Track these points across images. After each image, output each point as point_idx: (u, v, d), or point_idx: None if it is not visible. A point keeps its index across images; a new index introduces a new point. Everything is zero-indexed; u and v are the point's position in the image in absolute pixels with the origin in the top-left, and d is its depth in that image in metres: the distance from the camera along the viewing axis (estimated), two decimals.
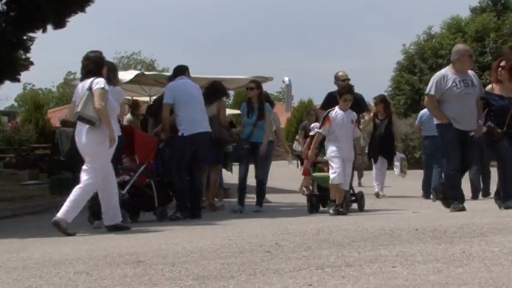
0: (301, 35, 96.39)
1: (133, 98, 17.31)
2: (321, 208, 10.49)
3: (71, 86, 29.38)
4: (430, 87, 9.11)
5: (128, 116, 14.59)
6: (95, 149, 7.95)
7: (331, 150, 9.75)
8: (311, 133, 13.17)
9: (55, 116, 32.94)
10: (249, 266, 4.53)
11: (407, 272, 4.06)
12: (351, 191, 10.54)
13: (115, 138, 7.93)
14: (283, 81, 29.82)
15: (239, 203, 11.09)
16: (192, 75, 10.49)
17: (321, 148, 10.34)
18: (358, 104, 10.67)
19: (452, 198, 9.08)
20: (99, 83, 7.96)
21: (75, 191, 7.90)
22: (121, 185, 9.10)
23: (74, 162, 9.69)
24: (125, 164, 9.56)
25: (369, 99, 14.58)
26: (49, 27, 14.84)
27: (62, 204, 7.89)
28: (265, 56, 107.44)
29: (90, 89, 7.95)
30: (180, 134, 9.84)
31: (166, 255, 5.32)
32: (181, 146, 9.85)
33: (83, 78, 8.29)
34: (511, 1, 38.21)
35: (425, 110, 14.12)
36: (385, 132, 13.84)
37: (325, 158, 10.07)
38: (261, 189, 11.21)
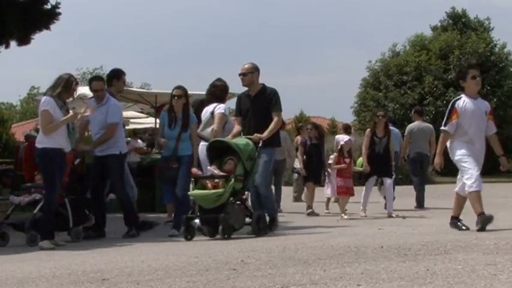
0: (267, 51, 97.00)
1: None
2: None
3: (35, 101, 29.08)
4: None
5: None
6: None
7: (459, 151, 7.68)
8: (342, 143, 12.93)
9: (19, 131, 32.56)
10: (215, 284, 4.52)
11: None
12: (248, 212, 8.75)
13: None
14: None
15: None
16: (153, 90, 10.54)
17: (221, 161, 8.71)
18: (268, 102, 9.19)
19: None
20: (221, 108, 9.61)
21: None
22: (33, 204, 8.80)
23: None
24: (37, 182, 9.14)
25: (338, 116, 14.30)
26: (13, 43, 14.66)
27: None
28: (230, 71, 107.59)
29: (212, 113, 9.57)
30: (118, 152, 9.62)
31: (132, 273, 5.29)
32: (122, 163, 9.80)
33: (209, 102, 9.87)
34: (471, 20, 38.92)
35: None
36: (384, 151, 12.31)
37: (212, 171, 8.57)
38: (183, 208, 9.34)
